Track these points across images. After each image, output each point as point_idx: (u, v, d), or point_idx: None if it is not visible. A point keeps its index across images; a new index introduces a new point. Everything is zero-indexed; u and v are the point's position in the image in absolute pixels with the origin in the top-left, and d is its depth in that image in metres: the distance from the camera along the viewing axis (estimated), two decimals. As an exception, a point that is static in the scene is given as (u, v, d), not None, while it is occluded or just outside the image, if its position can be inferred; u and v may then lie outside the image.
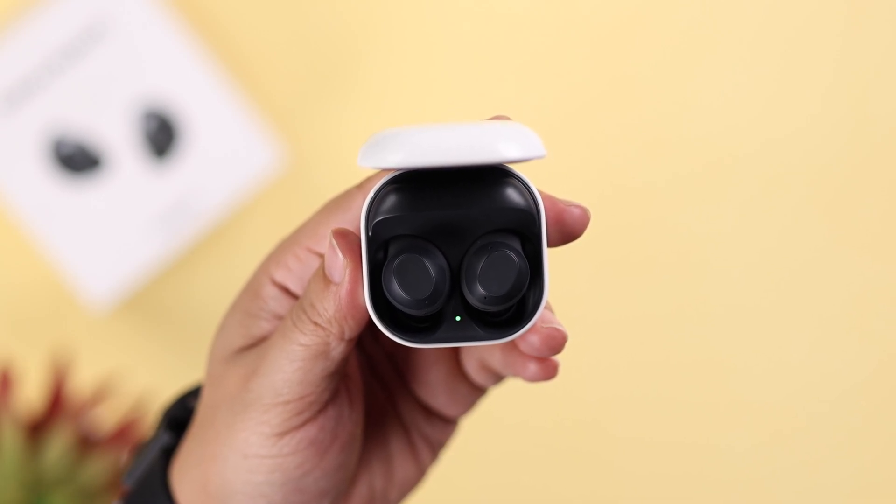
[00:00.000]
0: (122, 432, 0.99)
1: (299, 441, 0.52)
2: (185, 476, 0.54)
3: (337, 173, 1.05)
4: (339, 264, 0.49)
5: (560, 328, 0.51)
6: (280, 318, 0.53)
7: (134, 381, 1.05)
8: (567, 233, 0.50)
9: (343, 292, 0.49)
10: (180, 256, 1.05)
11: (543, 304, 0.48)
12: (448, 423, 0.57)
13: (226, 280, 1.06)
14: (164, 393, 1.05)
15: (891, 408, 1.06)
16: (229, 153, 1.04)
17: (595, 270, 1.05)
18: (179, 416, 0.58)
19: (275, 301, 0.53)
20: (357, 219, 0.51)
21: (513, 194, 0.48)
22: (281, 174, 1.05)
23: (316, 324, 0.50)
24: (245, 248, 1.06)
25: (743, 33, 1.05)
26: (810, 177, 1.05)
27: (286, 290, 0.53)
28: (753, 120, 1.05)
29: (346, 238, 0.49)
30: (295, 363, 0.50)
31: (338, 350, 0.50)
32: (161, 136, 1.03)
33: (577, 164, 1.05)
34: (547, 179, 1.05)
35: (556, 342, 0.51)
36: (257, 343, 0.53)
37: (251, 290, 0.53)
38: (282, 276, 0.53)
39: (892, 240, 1.05)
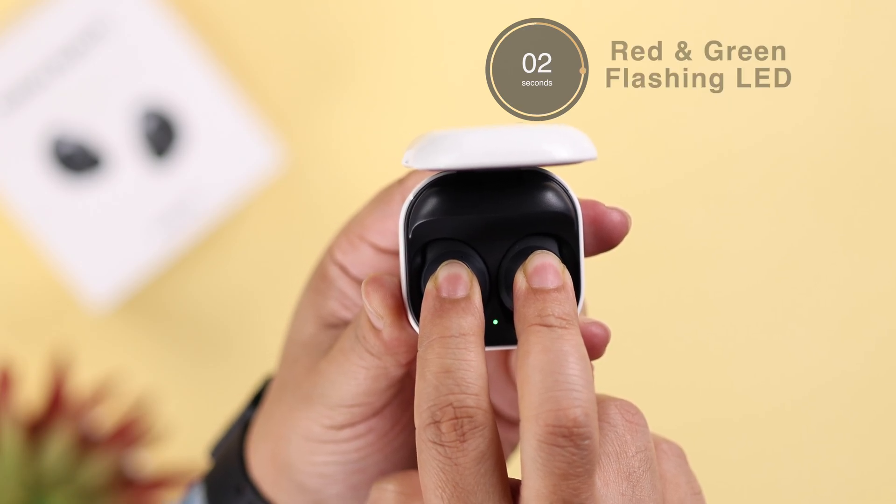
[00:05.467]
0: (122, 432, 0.99)
1: (358, 430, 0.54)
2: (258, 447, 0.57)
3: (336, 173, 1.05)
4: (374, 316, 0.50)
5: (602, 324, 0.51)
6: (344, 295, 0.55)
7: (134, 381, 1.05)
8: (605, 238, 0.50)
9: (386, 336, 0.50)
10: (180, 256, 1.05)
11: (581, 306, 0.48)
12: (513, 424, 0.58)
13: (225, 280, 1.06)
14: (165, 393, 1.05)
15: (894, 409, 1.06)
16: (229, 153, 1.04)
17: (594, 273, 1.05)
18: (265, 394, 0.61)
19: (339, 279, 0.55)
20: (396, 214, 0.52)
21: (551, 198, 0.48)
22: (280, 174, 1.05)
23: (371, 353, 0.51)
24: (244, 247, 1.06)
25: (743, 33, 1.05)
26: (811, 177, 1.05)
27: (346, 271, 0.55)
28: (753, 120, 1.05)
29: (377, 284, 0.50)
30: (357, 379, 0.52)
31: (397, 370, 0.52)
32: (161, 136, 1.03)
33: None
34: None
35: (599, 339, 0.51)
36: (326, 325, 0.55)
37: (319, 271, 0.56)
38: (341, 259, 0.55)
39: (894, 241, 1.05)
